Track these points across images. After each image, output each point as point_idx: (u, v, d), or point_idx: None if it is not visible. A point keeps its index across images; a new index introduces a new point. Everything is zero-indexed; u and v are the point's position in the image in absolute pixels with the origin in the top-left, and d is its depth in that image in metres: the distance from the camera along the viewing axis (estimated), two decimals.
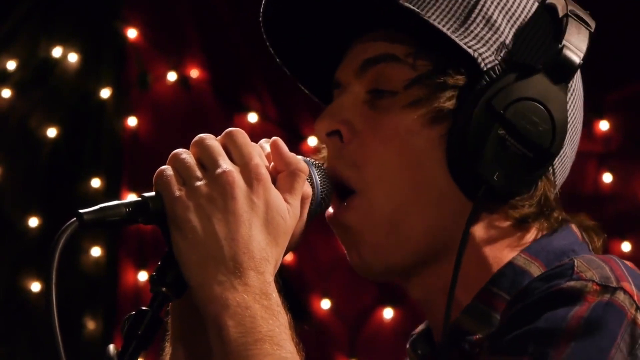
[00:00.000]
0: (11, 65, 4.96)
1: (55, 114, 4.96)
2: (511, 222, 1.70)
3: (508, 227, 1.70)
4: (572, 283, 1.53)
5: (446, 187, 1.67)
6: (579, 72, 1.70)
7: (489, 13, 1.70)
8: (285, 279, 1.61)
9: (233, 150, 1.60)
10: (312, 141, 4.61)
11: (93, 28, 5.01)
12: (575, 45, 1.66)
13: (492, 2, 1.71)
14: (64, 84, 4.98)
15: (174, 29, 4.97)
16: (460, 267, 1.63)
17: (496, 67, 1.66)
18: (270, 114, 4.90)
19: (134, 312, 1.55)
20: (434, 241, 1.69)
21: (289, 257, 4.61)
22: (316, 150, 1.79)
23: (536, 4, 1.72)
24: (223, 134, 1.62)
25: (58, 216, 4.48)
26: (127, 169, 4.98)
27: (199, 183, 1.56)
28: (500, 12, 1.70)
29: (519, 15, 1.71)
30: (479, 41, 1.68)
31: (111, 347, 1.54)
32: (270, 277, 1.55)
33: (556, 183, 1.72)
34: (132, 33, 4.98)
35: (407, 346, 1.81)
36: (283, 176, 1.62)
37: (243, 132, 1.62)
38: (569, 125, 1.68)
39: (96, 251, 4.90)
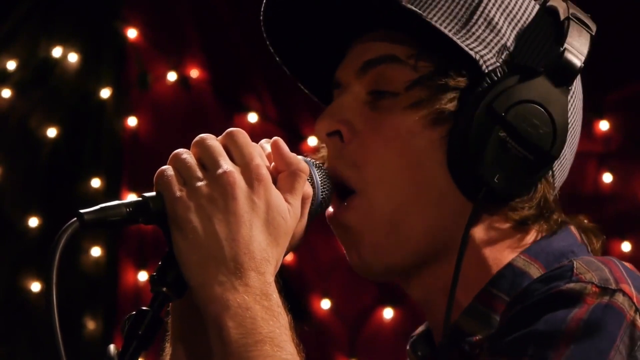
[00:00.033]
0: (11, 65, 4.96)
1: (55, 114, 4.96)
2: (511, 223, 1.70)
3: (508, 228, 1.70)
4: (571, 285, 1.53)
5: (446, 188, 1.68)
6: (579, 74, 1.70)
7: (491, 15, 1.70)
8: (286, 279, 1.61)
9: (234, 151, 1.60)
10: (312, 141, 4.61)
11: (93, 28, 5.01)
12: (577, 48, 1.66)
13: (493, 4, 1.71)
14: (64, 84, 4.98)
15: (174, 29, 4.97)
16: (460, 268, 1.63)
17: (497, 70, 1.66)
18: (270, 114, 4.90)
19: (134, 312, 1.55)
20: (434, 241, 1.69)
21: (289, 257, 4.61)
22: (316, 150, 1.79)
23: (537, 7, 1.72)
24: (224, 134, 1.62)
25: (58, 216, 4.49)
26: (127, 169, 4.98)
27: (199, 183, 1.56)
28: (501, 14, 1.71)
29: (520, 18, 1.71)
30: (480, 43, 1.68)
31: (111, 347, 1.54)
32: (270, 278, 1.55)
33: (555, 185, 1.72)
34: (132, 33, 4.98)
35: (407, 347, 1.81)
36: (284, 176, 1.62)
37: (244, 132, 1.62)
38: (569, 128, 1.69)
39: (96, 251, 4.90)
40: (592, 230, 1.76)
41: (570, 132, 1.70)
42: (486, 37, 1.69)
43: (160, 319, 1.57)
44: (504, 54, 1.68)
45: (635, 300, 1.53)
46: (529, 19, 1.71)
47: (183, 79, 4.95)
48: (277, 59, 1.84)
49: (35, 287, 4.84)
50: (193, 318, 1.63)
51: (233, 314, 1.50)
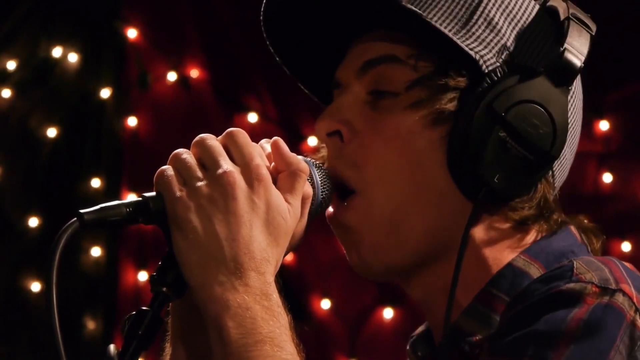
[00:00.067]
0: (11, 65, 4.96)
1: (55, 114, 4.96)
2: (511, 223, 1.70)
3: (508, 228, 1.70)
4: (571, 285, 1.53)
5: (446, 187, 1.68)
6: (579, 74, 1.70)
7: (491, 15, 1.70)
8: (286, 279, 1.61)
9: (234, 151, 1.60)
10: (312, 141, 4.61)
11: (93, 28, 5.01)
12: (577, 48, 1.66)
13: (493, 5, 1.71)
14: (64, 84, 4.98)
15: (174, 29, 4.97)
16: (460, 268, 1.63)
17: (497, 70, 1.66)
18: (270, 114, 4.90)
19: (134, 312, 1.55)
20: (433, 241, 1.69)
21: (289, 257, 4.61)
22: (316, 150, 1.79)
23: (537, 7, 1.72)
24: (224, 134, 1.62)
25: (58, 216, 4.49)
26: (127, 169, 4.98)
27: (199, 183, 1.56)
28: (501, 14, 1.71)
29: (520, 18, 1.71)
30: (480, 43, 1.68)
31: (111, 347, 1.54)
32: (270, 278, 1.55)
33: (555, 185, 1.72)
34: (132, 33, 4.98)
35: (407, 347, 1.81)
36: (284, 176, 1.62)
37: (244, 132, 1.62)
38: (569, 128, 1.69)
39: (96, 251, 4.90)
40: (592, 230, 1.76)
41: (570, 132, 1.70)
42: (486, 37, 1.69)
43: (160, 319, 1.57)
44: (504, 54, 1.68)
45: (635, 300, 1.53)
46: (529, 19, 1.71)
47: (183, 79, 4.95)
48: (277, 59, 1.84)
49: (35, 287, 4.84)
50: (193, 318, 1.63)
51: (233, 314, 1.50)
